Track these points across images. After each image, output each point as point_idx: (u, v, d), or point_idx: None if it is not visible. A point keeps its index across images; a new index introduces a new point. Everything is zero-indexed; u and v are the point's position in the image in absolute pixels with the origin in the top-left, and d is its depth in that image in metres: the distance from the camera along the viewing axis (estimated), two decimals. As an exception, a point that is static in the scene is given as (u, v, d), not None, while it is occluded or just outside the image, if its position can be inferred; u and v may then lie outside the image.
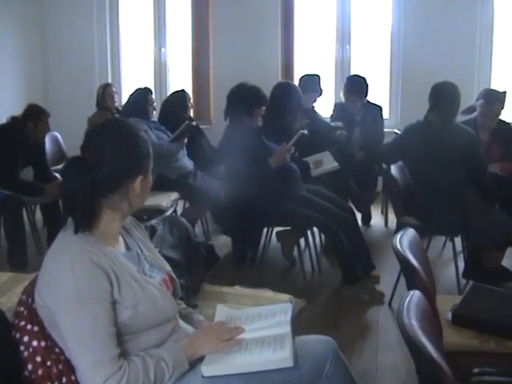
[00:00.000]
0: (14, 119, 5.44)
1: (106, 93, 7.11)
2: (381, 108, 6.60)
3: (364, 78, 6.39)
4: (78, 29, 8.43)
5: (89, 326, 1.87)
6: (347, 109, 6.42)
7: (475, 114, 5.27)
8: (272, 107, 5.09)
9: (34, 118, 5.41)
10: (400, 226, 4.44)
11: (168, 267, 2.25)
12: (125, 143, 2.02)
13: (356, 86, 6.35)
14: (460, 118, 4.96)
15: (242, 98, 4.78)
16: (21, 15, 8.34)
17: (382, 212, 6.77)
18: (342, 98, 6.52)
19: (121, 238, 2.15)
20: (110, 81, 8.22)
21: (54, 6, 8.50)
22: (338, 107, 6.63)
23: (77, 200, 1.96)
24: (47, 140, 6.00)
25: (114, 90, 7.28)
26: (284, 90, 5.31)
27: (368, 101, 6.48)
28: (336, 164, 5.44)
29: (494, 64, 7.47)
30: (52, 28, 8.59)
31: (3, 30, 8.01)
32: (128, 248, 2.15)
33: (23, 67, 8.43)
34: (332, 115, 6.57)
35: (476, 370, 2.16)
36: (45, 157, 5.76)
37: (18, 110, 5.64)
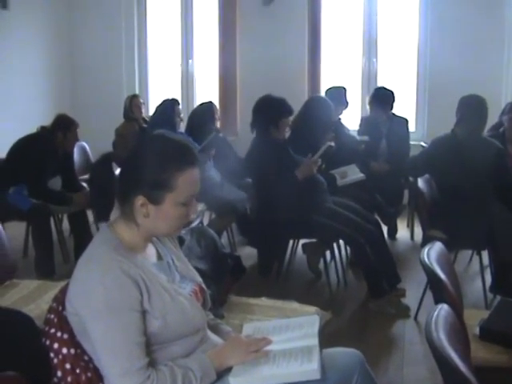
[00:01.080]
0: (43, 129, 5.50)
1: (133, 104, 7.17)
2: (407, 120, 6.58)
3: (391, 91, 6.38)
4: (106, 40, 8.54)
5: (118, 335, 1.88)
6: (372, 120, 6.43)
7: (502, 129, 5.25)
8: (303, 120, 5.11)
9: (63, 128, 5.47)
10: (426, 240, 4.42)
11: (199, 278, 2.25)
12: (140, 158, 2.00)
13: (381, 97, 6.34)
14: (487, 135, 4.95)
15: (268, 110, 4.79)
16: (50, 27, 8.47)
17: (407, 225, 6.73)
18: (368, 109, 6.53)
19: (153, 248, 2.16)
20: (137, 92, 8.30)
21: (83, 18, 8.62)
22: (364, 122, 6.65)
23: (97, 189, 2.10)
24: (75, 150, 6.05)
25: (141, 101, 7.35)
26: (317, 104, 5.33)
27: (394, 113, 6.47)
28: (362, 175, 5.46)
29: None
30: (80, 39, 8.71)
31: (33, 41, 8.14)
32: (160, 257, 2.16)
33: (52, 78, 8.54)
34: (359, 130, 6.58)
35: (504, 386, 2.14)
36: (73, 167, 5.81)
37: (47, 120, 5.71)
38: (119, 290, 1.89)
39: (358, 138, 6.36)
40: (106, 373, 1.93)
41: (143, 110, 7.34)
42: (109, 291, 1.88)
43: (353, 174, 5.51)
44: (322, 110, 5.25)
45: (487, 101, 4.57)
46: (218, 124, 6.80)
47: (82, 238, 5.38)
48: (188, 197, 2.01)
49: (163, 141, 2.07)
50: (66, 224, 5.91)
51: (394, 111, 6.46)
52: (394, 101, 6.35)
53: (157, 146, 2.03)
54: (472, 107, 4.51)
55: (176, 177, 1.97)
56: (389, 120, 6.37)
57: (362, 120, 6.76)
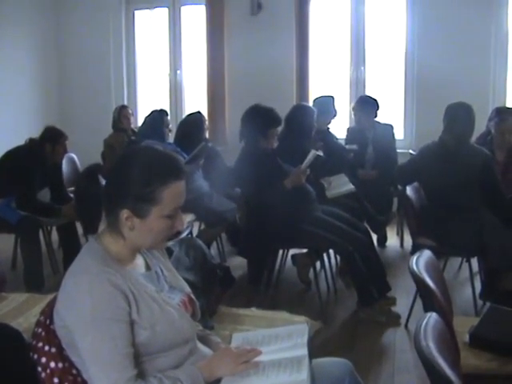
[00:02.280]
0: (31, 141, 5.48)
1: (121, 115, 7.16)
2: (392, 127, 6.59)
3: (375, 99, 6.42)
4: (94, 51, 8.55)
5: (106, 346, 1.87)
6: (358, 128, 6.46)
7: (489, 136, 5.28)
8: (287, 130, 5.14)
9: (51, 140, 5.44)
10: (416, 248, 4.43)
11: (188, 289, 2.24)
12: (124, 171, 1.98)
13: (365, 104, 6.37)
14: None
15: (257, 120, 4.78)
16: (37, 38, 8.48)
17: (397, 233, 6.74)
18: (352, 116, 6.57)
19: (141, 258, 2.15)
20: (125, 103, 8.31)
21: (71, 28, 8.65)
22: (350, 131, 6.67)
23: (83, 202, 2.09)
24: (64, 161, 6.02)
25: (130, 111, 7.34)
26: (298, 112, 5.37)
27: (378, 121, 6.48)
28: (352, 186, 5.46)
29: (509, 81, 7.43)
30: (68, 50, 8.72)
31: (20, 52, 8.13)
32: (148, 268, 2.15)
33: (40, 89, 8.53)
34: (346, 140, 6.60)
35: (494, 393, 2.14)
36: (62, 178, 5.79)
37: (35, 132, 5.69)
38: (107, 302, 1.88)
39: (346, 146, 6.37)
40: (94, 385, 1.91)
41: (132, 121, 7.33)
42: (96, 303, 1.87)
43: (343, 184, 5.52)
44: (303, 117, 5.30)
45: (475, 108, 4.58)
46: (207, 134, 6.80)
47: (71, 250, 5.34)
48: (173, 209, 2.00)
49: (148, 153, 2.05)
50: (55, 236, 5.88)
51: (378, 119, 6.47)
52: (377, 108, 6.38)
53: (141, 159, 2.01)
54: (459, 115, 4.52)
55: (161, 190, 1.95)
56: (373, 127, 6.39)
57: (348, 130, 6.78)
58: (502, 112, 5.38)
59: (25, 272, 5.16)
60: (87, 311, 1.87)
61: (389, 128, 6.53)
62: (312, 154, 4.76)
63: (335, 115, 6.43)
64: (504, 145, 5.14)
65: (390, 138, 6.50)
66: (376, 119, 6.45)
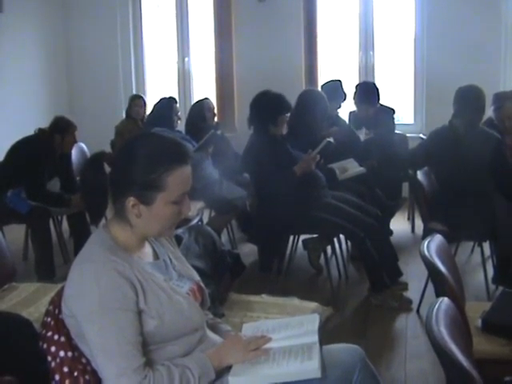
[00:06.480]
0: (41, 131, 5.47)
1: (133, 104, 7.15)
2: (393, 110, 6.40)
3: (374, 84, 6.30)
4: (102, 40, 8.53)
5: (113, 335, 1.86)
6: (359, 117, 6.34)
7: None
8: (298, 115, 5.09)
9: (60, 130, 5.43)
10: (427, 232, 4.40)
11: (197, 277, 2.23)
12: (129, 159, 1.98)
13: (367, 93, 6.21)
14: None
15: (266, 106, 4.75)
16: (45, 29, 8.46)
17: (408, 218, 6.71)
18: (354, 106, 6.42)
19: (149, 247, 2.14)
20: (134, 91, 8.30)
21: (79, 18, 8.61)
22: (352, 117, 6.55)
23: (88, 191, 2.09)
24: (73, 151, 6.02)
25: (142, 102, 7.29)
26: (310, 98, 5.31)
27: (381, 104, 6.37)
28: (362, 168, 5.42)
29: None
30: (77, 39, 8.70)
31: (28, 43, 8.12)
32: (156, 257, 2.14)
33: (49, 79, 8.53)
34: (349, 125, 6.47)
35: (507, 379, 2.12)
36: (71, 168, 5.78)
37: (44, 122, 5.68)
38: (114, 291, 1.88)
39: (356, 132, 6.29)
40: (102, 374, 1.91)
41: (141, 112, 7.27)
42: (103, 292, 1.87)
43: (353, 168, 5.48)
44: (316, 103, 5.25)
45: (485, 91, 4.54)
46: (216, 118, 6.78)
47: (82, 240, 5.24)
48: (179, 195, 1.99)
49: (151, 140, 2.05)
50: (65, 226, 5.89)
51: (382, 102, 6.32)
52: (378, 93, 6.22)
53: (145, 146, 2.00)
54: (469, 98, 4.49)
55: (166, 176, 1.94)
56: (375, 113, 6.24)
57: (349, 115, 6.67)
58: (498, 99, 5.31)
59: (36, 262, 5.18)
60: (94, 301, 1.87)
61: (389, 111, 6.35)
62: (325, 141, 4.74)
63: (345, 98, 6.32)
64: (508, 130, 5.09)
65: (387, 121, 6.26)
66: (380, 103, 6.30)
